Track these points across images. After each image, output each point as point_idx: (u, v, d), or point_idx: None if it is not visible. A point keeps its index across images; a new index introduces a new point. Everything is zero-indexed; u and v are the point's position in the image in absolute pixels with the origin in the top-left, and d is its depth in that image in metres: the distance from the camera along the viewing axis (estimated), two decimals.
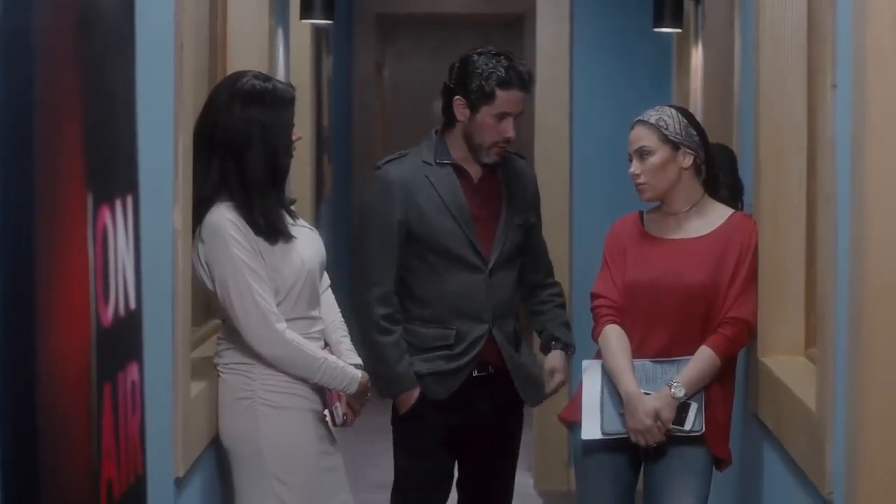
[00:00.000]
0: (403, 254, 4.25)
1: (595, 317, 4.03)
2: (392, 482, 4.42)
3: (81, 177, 1.92)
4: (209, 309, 4.13)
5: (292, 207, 3.78)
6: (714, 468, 3.95)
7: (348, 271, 4.74)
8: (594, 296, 4.04)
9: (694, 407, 3.85)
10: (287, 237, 3.62)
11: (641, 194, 3.98)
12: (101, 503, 2.01)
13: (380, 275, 4.23)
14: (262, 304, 3.52)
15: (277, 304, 3.58)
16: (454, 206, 4.23)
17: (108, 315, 2.04)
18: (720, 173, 4.08)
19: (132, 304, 2.19)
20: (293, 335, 3.58)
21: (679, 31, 6.30)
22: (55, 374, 1.79)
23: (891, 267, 2.74)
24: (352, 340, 3.90)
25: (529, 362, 4.38)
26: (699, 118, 4.42)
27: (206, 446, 3.52)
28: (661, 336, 3.91)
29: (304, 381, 3.63)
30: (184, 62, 3.10)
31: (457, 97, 4.24)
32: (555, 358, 4.35)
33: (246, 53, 4.70)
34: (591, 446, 3.92)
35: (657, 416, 3.81)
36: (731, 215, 3.99)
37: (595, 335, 4.01)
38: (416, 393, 4.23)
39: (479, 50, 4.26)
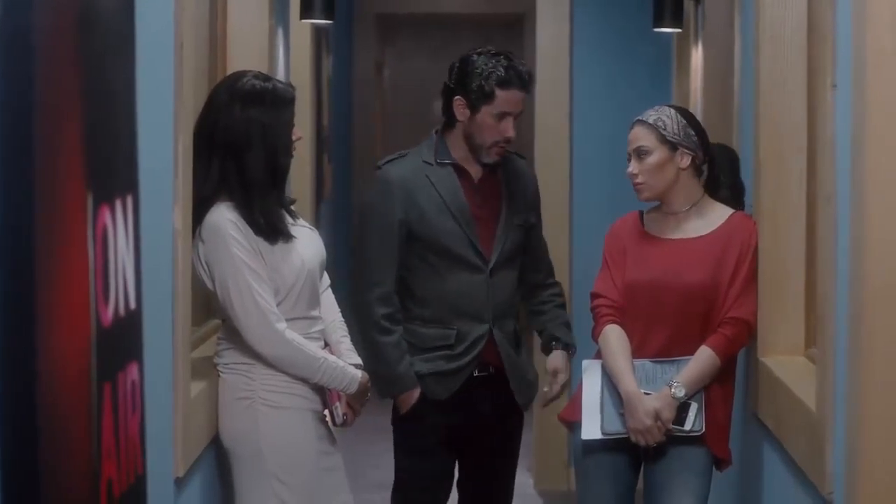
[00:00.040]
0: (404, 254, 4.25)
1: (595, 317, 4.03)
2: (392, 482, 4.42)
3: (81, 177, 1.92)
4: (209, 309, 4.13)
5: (292, 207, 3.78)
6: (714, 468, 3.95)
7: (348, 271, 4.73)
8: (594, 296, 4.04)
9: (694, 407, 3.85)
10: (287, 237, 3.62)
11: (639, 194, 3.99)
12: (101, 503, 2.01)
13: (380, 275, 4.23)
14: (262, 303, 3.52)
15: (277, 304, 3.58)
16: (455, 206, 4.23)
17: (108, 315, 2.04)
18: (721, 173, 4.08)
19: (132, 304, 2.19)
20: (293, 335, 3.58)
21: (679, 31, 6.30)
22: (55, 374, 1.79)
23: (891, 267, 2.74)
24: (352, 340, 3.90)
25: (525, 364, 4.38)
26: (699, 118, 4.41)
27: (206, 446, 3.52)
28: (661, 336, 3.91)
29: (304, 381, 3.63)
30: (184, 62, 3.10)
31: (457, 97, 4.24)
32: (557, 358, 4.35)
33: (246, 53, 4.70)
34: (591, 446, 3.92)
35: (657, 416, 3.81)
36: (731, 215, 3.99)
37: (595, 335, 4.01)
38: (416, 393, 4.23)
39: (479, 50, 4.26)
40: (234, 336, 3.61)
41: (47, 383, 1.76)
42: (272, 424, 3.59)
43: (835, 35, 3.06)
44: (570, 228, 6.81)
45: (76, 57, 1.92)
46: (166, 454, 3.05)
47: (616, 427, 3.88)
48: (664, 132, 3.92)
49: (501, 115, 4.19)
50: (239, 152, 3.58)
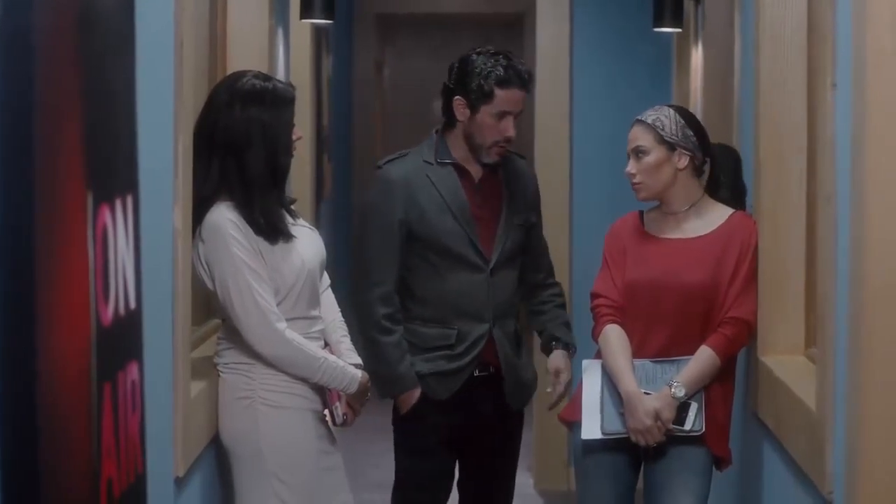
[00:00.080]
0: (404, 253, 4.25)
1: (595, 316, 4.03)
2: (392, 482, 4.43)
3: (81, 177, 1.92)
4: (209, 308, 4.13)
5: (292, 207, 3.78)
6: (714, 468, 3.95)
7: (348, 271, 4.73)
8: (594, 295, 4.04)
9: (694, 407, 3.85)
10: (287, 237, 3.62)
11: (637, 194, 3.99)
12: (101, 503, 2.01)
13: (381, 274, 4.23)
14: (262, 303, 3.52)
15: (277, 304, 3.58)
16: (455, 206, 4.23)
17: (108, 315, 2.04)
18: (721, 174, 4.08)
19: (132, 304, 2.20)
20: (293, 335, 3.58)
21: (679, 30, 6.30)
22: (55, 374, 1.79)
23: (891, 267, 2.74)
24: (352, 340, 3.90)
25: (524, 365, 4.38)
26: (699, 118, 4.41)
27: (206, 446, 3.52)
28: (661, 336, 3.91)
29: (304, 380, 3.63)
30: (184, 62, 3.10)
31: (456, 97, 4.24)
32: (558, 358, 4.34)
33: (246, 53, 4.70)
34: (591, 446, 3.93)
35: (657, 416, 3.81)
36: (731, 215, 3.99)
37: (595, 335, 4.01)
38: (417, 393, 4.23)
39: (478, 49, 4.26)
40: (234, 336, 3.61)
41: (47, 383, 1.76)
42: (272, 424, 3.59)
43: (835, 35, 3.06)
44: (570, 228, 6.81)
45: (76, 57, 1.92)
46: (166, 454, 3.05)
47: (616, 427, 3.89)
48: (662, 132, 3.92)
49: (501, 115, 4.19)
50: (239, 152, 3.58)
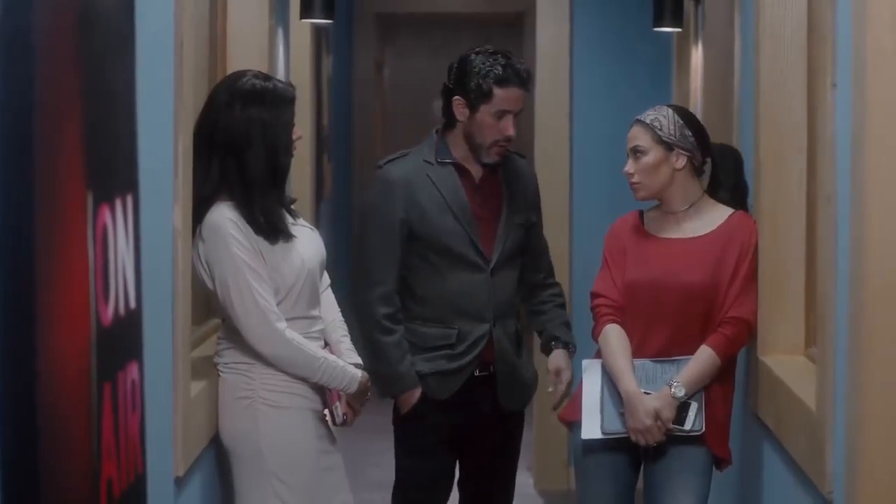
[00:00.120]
0: (405, 253, 4.25)
1: (595, 316, 4.03)
2: (392, 481, 4.43)
3: (81, 177, 1.92)
4: (209, 308, 4.13)
5: (293, 207, 3.78)
6: (714, 468, 3.95)
7: (348, 271, 4.73)
8: (594, 295, 4.04)
9: (694, 406, 3.85)
10: (287, 236, 3.62)
11: (635, 193, 3.99)
12: (101, 502, 2.01)
13: (381, 274, 4.23)
14: (262, 303, 3.52)
15: (277, 304, 3.58)
16: (456, 206, 4.23)
17: (108, 314, 2.04)
18: (721, 174, 4.08)
19: (132, 304, 2.20)
20: (293, 334, 3.58)
21: (679, 30, 6.30)
22: (55, 374, 1.79)
23: (891, 267, 2.74)
24: (351, 340, 3.90)
25: (524, 365, 4.38)
26: (699, 118, 4.41)
27: (206, 446, 3.52)
28: (661, 336, 3.91)
29: (304, 380, 3.63)
30: (184, 62, 3.10)
31: (456, 97, 4.24)
32: (558, 357, 4.34)
33: (246, 53, 4.70)
34: (591, 446, 3.93)
35: (657, 416, 3.81)
36: (731, 215, 3.99)
37: (595, 335, 4.01)
38: (417, 392, 4.23)
39: (477, 49, 4.26)
40: (234, 335, 3.61)
41: (47, 383, 1.76)
42: (272, 424, 3.59)
43: (835, 35, 3.06)
44: (570, 228, 6.81)
45: (76, 57, 1.92)
46: (166, 454, 3.05)
47: (616, 427, 3.89)
48: (660, 132, 3.92)
49: (501, 114, 4.19)
50: (239, 151, 3.58)
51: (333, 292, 3.93)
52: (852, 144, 2.85)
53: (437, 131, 4.35)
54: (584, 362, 4.03)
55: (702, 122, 4.15)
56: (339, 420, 3.76)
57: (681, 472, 3.87)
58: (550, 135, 6.90)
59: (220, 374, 3.64)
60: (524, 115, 4.42)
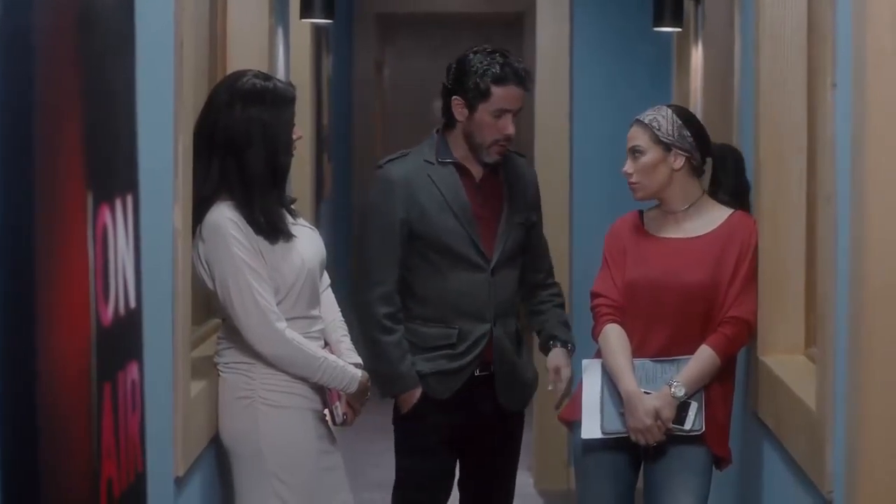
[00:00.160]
0: (405, 253, 4.25)
1: (595, 316, 4.03)
2: (392, 481, 4.43)
3: (81, 177, 1.92)
4: (209, 308, 4.13)
5: (293, 206, 3.78)
6: (714, 467, 3.95)
7: (348, 271, 4.73)
8: (594, 295, 4.04)
9: (694, 406, 3.85)
10: (287, 236, 3.62)
11: (634, 193, 4.00)
12: (101, 502, 2.01)
13: (382, 274, 4.23)
14: (262, 303, 3.53)
15: (277, 304, 3.58)
16: (456, 205, 4.23)
17: (108, 314, 2.04)
18: (721, 175, 4.08)
19: (132, 304, 2.20)
20: (293, 334, 3.58)
21: (679, 30, 6.30)
22: (55, 374, 1.79)
23: (891, 267, 2.75)
24: (351, 339, 3.90)
25: (524, 365, 4.38)
26: (699, 118, 4.41)
27: (206, 445, 3.52)
28: (661, 335, 3.91)
29: (304, 380, 3.63)
30: (184, 62, 3.10)
31: (455, 97, 4.24)
32: (557, 356, 4.33)
33: (246, 53, 4.70)
34: (591, 445, 3.93)
35: (657, 416, 3.81)
36: (731, 214, 3.99)
37: (595, 334, 4.01)
38: (418, 392, 4.23)
39: (475, 49, 4.27)
40: (234, 335, 3.61)
41: (47, 383, 1.76)
42: (272, 424, 3.59)
43: (835, 35, 3.06)
44: (570, 228, 6.81)
45: (76, 57, 1.92)
46: (166, 453, 3.05)
47: (616, 426, 3.89)
48: (658, 132, 3.92)
49: (499, 113, 4.19)
50: (239, 151, 3.58)
51: (333, 292, 3.93)
52: (852, 144, 2.85)
53: (437, 131, 4.35)
54: (584, 362, 4.03)
55: (702, 123, 4.15)
56: (339, 420, 3.76)
57: (681, 471, 3.87)
58: (550, 135, 6.90)
59: (220, 373, 3.64)
60: (524, 115, 4.42)
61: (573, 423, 4.03)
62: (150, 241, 2.64)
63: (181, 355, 3.13)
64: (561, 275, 5.05)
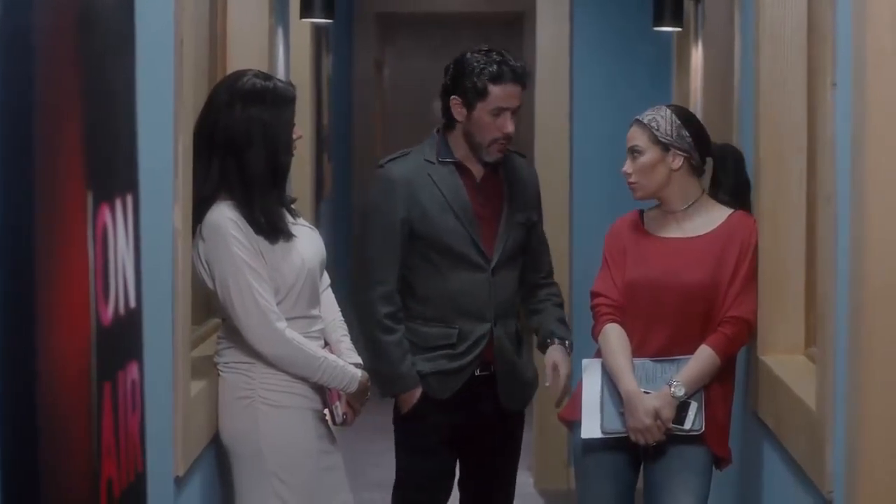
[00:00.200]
0: (406, 252, 4.25)
1: (595, 316, 4.03)
2: (392, 481, 4.43)
3: (81, 176, 1.92)
4: (209, 308, 4.13)
5: (293, 206, 3.78)
6: (714, 467, 3.95)
7: (348, 270, 4.73)
8: (594, 294, 4.04)
9: (694, 406, 3.85)
10: (287, 236, 3.62)
11: (633, 193, 4.00)
12: (101, 502, 2.01)
13: (382, 273, 4.23)
14: (262, 303, 3.53)
15: (277, 303, 3.58)
16: (457, 205, 4.23)
17: (108, 314, 2.04)
18: (721, 175, 4.08)
19: (132, 303, 2.20)
20: (293, 334, 3.58)
21: (679, 30, 6.30)
22: (55, 374, 1.79)
23: (891, 267, 2.75)
24: (351, 339, 3.90)
25: (525, 365, 4.37)
26: (700, 118, 4.41)
27: (206, 445, 3.52)
28: (660, 335, 3.91)
29: (305, 380, 3.63)
30: (184, 61, 3.10)
31: (453, 97, 4.25)
32: (555, 352, 4.32)
33: (246, 53, 4.70)
34: (591, 445, 3.93)
35: (657, 415, 3.81)
36: (731, 214, 3.99)
37: (595, 334, 4.01)
38: (418, 392, 4.23)
39: (473, 49, 4.27)
40: (234, 335, 3.61)
41: (47, 383, 1.76)
42: (272, 424, 3.59)
43: (835, 35, 3.06)
44: (570, 228, 6.80)
45: (76, 57, 1.92)
46: (166, 453, 3.05)
47: (616, 426, 3.89)
48: (656, 132, 3.92)
49: (498, 111, 4.19)
50: (239, 151, 3.58)
51: (333, 292, 3.93)
52: (852, 144, 2.85)
53: (438, 131, 4.36)
54: (584, 362, 4.03)
55: (702, 122, 4.15)
56: (339, 420, 3.76)
57: (681, 471, 3.87)
58: (550, 135, 6.90)
59: (220, 373, 3.64)
60: (524, 115, 4.42)
61: (573, 423, 4.03)
62: (150, 241, 2.64)
63: (181, 355, 3.13)
64: (561, 275, 5.05)
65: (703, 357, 3.86)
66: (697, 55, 6.14)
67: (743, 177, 4.15)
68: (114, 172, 2.12)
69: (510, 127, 4.20)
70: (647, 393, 3.85)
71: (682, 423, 3.84)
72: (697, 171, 3.99)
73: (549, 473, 6.94)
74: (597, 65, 6.86)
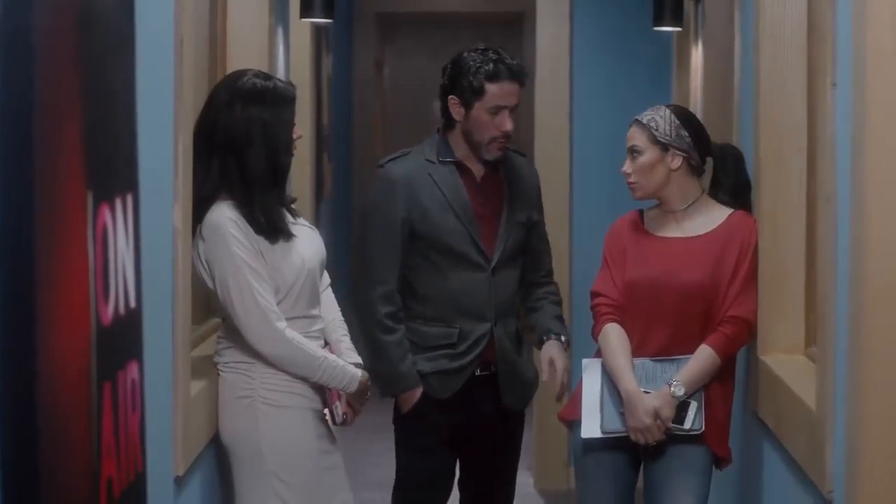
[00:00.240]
0: (406, 252, 4.25)
1: (595, 315, 4.03)
2: (392, 481, 4.43)
3: (81, 176, 1.92)
4: (209, 307, 4.13)
5: (293, 206, 3.78)
6: (714, 467, 3.95)
7: (348, 270, 4.73)
8: (594, 294, 4.04)
9: (693, 406, 3.85)
10: (287, 236, 3.62)
11: (633, 193, 4.00)
12: (102, 502, 2.01)
13: (383, 273, 4.23)
14: (262, 302, 3.53)
15: (278, 303, 3.58)
16: (457, 204, 4.23)
17: (108, 314, 2.04)
18: (721, 175, 4.08)
19: (132, 303, 2.20)
20: (293, 334, 3.58)
21: (679, 30, 6.30)
22: (55, 374, 1.79)
23: (891, 267, 2.75)
24: (352, 339, 3.90)
25: (525, 364, 4.37)
26: (700, 118, 4.41)
27: (205, 445, 3.52)
28: (660, 335, 3.91)
29: (305, 379, 3.63)
30: (184, 61, 3.10)
31: (451, 97, 4.25)
32: (551, 347, 4.28)
33: (246, 52, 4.70)
34: (591, 445, 3.93)
35: (657, 415, 3.81)
36: (731, 214, 3.99)
37: (595, 334, 4.01)
38: (418, 392, 4.23)
39: (470, 48, 4.28)
40: (234, 335, 3.61)
41: (47, 383, 1.76)
42: (272, 423, 3.59)
43: (835, 35, 3.06)
44: (570, 228, 6.80)
45: (76, 57, 1.92)
46: (166, 453, 3.05)
47: (616, 426, 3.89)
48: (655, 132, 3.92)
49: (495, 110, 4.19)
50: (240, 151, 3.58)
51: (333, 292, 3.93)
52: (852, 144, 2.85)
53: (438, 131, 4.36)
54: (584, 361, 4.03)
55: (701, 122, 4.15)
56: (338, 419, 3.76)
57: (681, 471, 3.87)
58: (550, 135, 6.90)
59: (220, 373, 3.64)
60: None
61: (573, 423, 4.03)
62: (150, 240, 2.64)
63: (181, 355, 3.13)
64: (561, 275, 5.05)
65: (702, 357, 3.86)
66: (697, 55, 6.14)
67: (743, 177, 4.15)
68: (114, 172, 2.12)
69: (509, 125, 4.21)
70: (647, 392, 3.85)
71: (681, 423, 3.84)
72: (697, 170, 3.99)
73: (549, 473, 6.94)
74: (597, 65, 6.86)
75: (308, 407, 3.66)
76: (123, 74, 2.20)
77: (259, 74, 3.70)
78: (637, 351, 3.92)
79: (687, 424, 3.84)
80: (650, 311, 3.92)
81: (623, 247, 4.02)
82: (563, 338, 4.32)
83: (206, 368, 3.65)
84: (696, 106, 5.94)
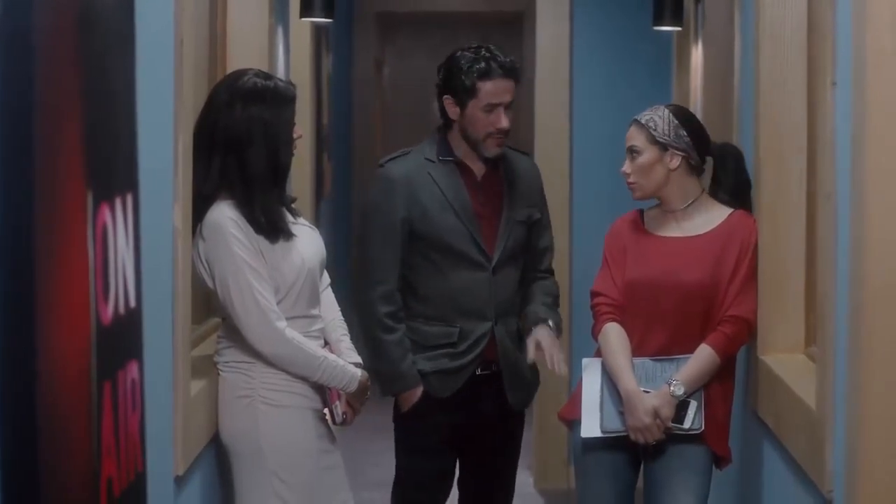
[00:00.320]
0: (406, 251, 4.25)
1: (595, 315, 4.03)
2: (392, 480, 4.43)
3: (81, 176, 1.92)
4: (209, 307, 4.13)
5: (293, 205, 3.78)
6: (714, 466, 3.95)
7: (348, 270, 4.73)
8: (594, 294, 4.04)
9: (693, 405, 3.85)
10: (288, 235, 3.62)
11: (632, 193, 4.00)
12: (102, 501, 2.01)
13: (383, 273, 4.23)
14: (262, 302, 3.53)
15: (278, 303, 3.58)
16: (457, 203, 4.23)
17: (108, 313, 2.05)
18: (721, 174, 4.07)
19: (132, 303, 2.20)
20: (293, 333, 3.58)
21: (679, 29, 6.30)
22: (55, 374, 1.79)
23: (891, 267, 2.75)
24: (352, 339, 3.90)
25: (525, 363, 4.37)
26: (700, 117, 4.41)
27: (206, 445, 3.52)
28: (660, 335, 3.91)
29: (305, 379, 3.63)
30: (183, 61, 3.10)
31: (446, 96, 4.25)
32: (538, 330, 4.18)
33: (246, 52, 4.70)
34: (591, 444, 3.93)
35: (656, 415, 3.81)
36: (731, 213, 3.99)
37: (595, 333, 4.01)
38: (419, 391, 4.23)
39: (463, 47, 4.28)
40: (234, 334, 3.61)
41: (47, 383, 1.76)
42: (272, 423, 3.59)
43: (835, 34, 3.06)
44: (570, 228, 6.80)
45: (76, 57, 1.92)
46: (166, 452, 3.05)
47: (616, 425, 3.89)
48: (654, 132, 3.92)
49: (490, 108, 4.19)
50: (240, 150, 3.58)
51: (333, 291, 3.94)
52: (852, 144, 2.85)
53: (438, 130, 4.36)
54: (584, 361, 4.03)
55: (701, 122, 4.15)
56: (338, 419, 3.76)
57: (680, 470, 3.87)
58: (550, 135, 6.89)
59: (220, 372, 3.64)
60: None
61: (573, 422, 4.03)
62: (150, 240, 2.64)
63: (181, 354, 3.13)
64: (561, 275, 5.04)
65: (702, 356, 3.86)
66: (697, 55, 6.14)
67: (743, 176, 4.15)
68: (114, 172, 2.12)
69: (504, 122, 4.20)
70: (647, 392, 3.85)
71: (681, 423, 3.84)
72: (696, 170, 3.99)
73: (549, 473, 6.94)
74: (597, 65, 6.86)
75: (308, 406, 3.66)
76: (123, 74, 2.20)
77: (259, 74, 3.70)
78: (637, 350, 3.92)
79: (687, 424, 3.84)
80: (650, 310, 3.92)
81: (623, 246, 4.02)
82: (550, 322, 4.23)
83: (206, 368, 3.65)
84: (696, 106, 5.94)
